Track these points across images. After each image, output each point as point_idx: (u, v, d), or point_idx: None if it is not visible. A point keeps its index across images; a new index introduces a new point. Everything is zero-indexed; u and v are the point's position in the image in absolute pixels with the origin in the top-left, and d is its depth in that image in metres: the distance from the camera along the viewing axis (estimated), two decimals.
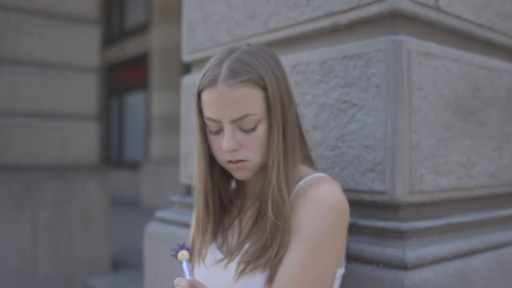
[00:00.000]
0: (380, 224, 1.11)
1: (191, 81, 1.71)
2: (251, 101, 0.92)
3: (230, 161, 0.96)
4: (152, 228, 1.76)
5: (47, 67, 3.92)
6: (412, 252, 1.05)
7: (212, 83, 0.93)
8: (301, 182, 0.98)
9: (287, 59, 1.34)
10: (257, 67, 0.93)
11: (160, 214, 1.77)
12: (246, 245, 0.97)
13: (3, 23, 3.69)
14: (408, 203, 1.11)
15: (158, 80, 8.85)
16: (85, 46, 4.16)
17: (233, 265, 0.96)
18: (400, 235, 1.08)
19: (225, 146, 0.93)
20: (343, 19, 1.21)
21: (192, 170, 1.69)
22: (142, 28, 10.21)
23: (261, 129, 0.94)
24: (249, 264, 0.92)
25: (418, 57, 1.12)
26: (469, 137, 1.27)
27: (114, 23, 11.75)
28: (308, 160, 1.08)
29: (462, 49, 1.30)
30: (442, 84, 1.19)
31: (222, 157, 0.97)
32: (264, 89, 0.93)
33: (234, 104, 0.91)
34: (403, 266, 1.03)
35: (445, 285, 1.09)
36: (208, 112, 0.95)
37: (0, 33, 3.68)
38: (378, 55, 1.12)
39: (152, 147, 9.01)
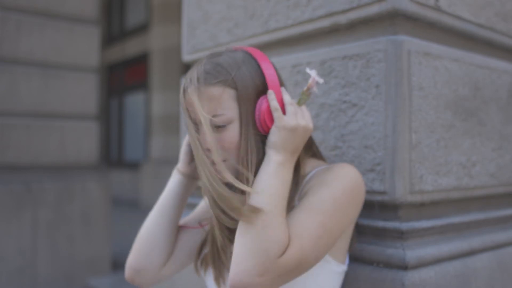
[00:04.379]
0: (380, 224, 1.11)
1: None
2: (220, 100, 0.92)
3: (213, 162, 0.94)
4: None
5: (47, 67, 3.92)
6: (412, 252, 1.05)
7: (187, 85, 0.94)
8: (313, 171, 0.99)
9: (287, 59, 1.34)
10: (230, 67, 0.93)
11: None
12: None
13: (3, 23, 3.69)
14: (408, 203, 1.11)
15: (158, 80, 8.85)
16: (85, 46, 4.16)
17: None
18: (400, 235, 1.08)
19: (199, 139, 0.93)
20: (343, 19, 1.21)
21: None
22: (142, 28, 10.21)
23: (234, 129, 0.93)
24: None
25: (418, 57, 1.12)
26: (469, 137, 1.27)
27: (114, 23, 11.75)
28: (318, 156, 1.09)
29: (462, 49, 1.30)
30: (442, 84, 1.19)
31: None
32: (235, 88, 0.93)
33: (205, 104, 0.91)
34: (403, 266, 1.03)
35: (445, 285, 1.09)
36: (190, 114, 0.96)
37: (0, 33, 3.68)
38: (378, 55, 1.12)
39: (152, 147, 9.01)
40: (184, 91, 0.95)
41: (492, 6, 1.38)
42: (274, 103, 0.92)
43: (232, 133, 0.92)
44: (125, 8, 11.30)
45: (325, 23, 1.25)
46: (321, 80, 0.95)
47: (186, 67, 1.93)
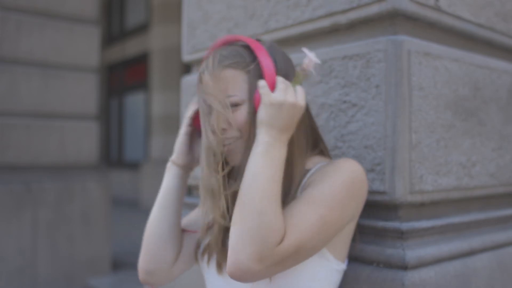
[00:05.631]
0: (380, 224, 1.11)
1: (191, 81, 1.71)
2: (232, 81, 0.95)
3: (224, 145, 0.97)
4: None
5: (47, 67, 3.92)
6: (412, 252, 1.05)
7: (203, 69, 0.98)
8: (316, 167, 0.99)
9: None
10: (244, 52, 0.96)
11: None
12: None
13: (3, 23, 3.69)
14: (408, 203, 1.11)
15: (158, 80, 8.85)
16: (85, 46, 4.16)
17: None
18: (400, 235, 1.08)
19: (211, 121, 0.95)
20: (343, 19, 1.21)
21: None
22: (142, 28, 10.21)
23: (244, 110, 0.95)
24: None
25: (418, 57, 1.12)
26: (469, 137, 1.27)
27: (114, 23, 11.75)
28: (326, 154, 1.09)
29: (462, 49, 1.30)
30: (442, 84, 1.19)
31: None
32: (248, 71, 0.95)
33: (219, 85, 0.95)
34: (403, 266, 1.03)
35: (445, 285, 1.09)
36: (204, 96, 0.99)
37: (0, 33, 3.68)
38: (378, 55, 1.12)
39: (152, 147, 9.01)
40: (200, 74, 0.98)
41: (492, 6, 1.38)
42: (262, 82, 0.92)
43: (242, 114, 0.95)
44: (125, 8, 11.30)
45: (325, 23, 1.25)
46: (317, 60, 0.94)
47: (186, 67, 1.93)
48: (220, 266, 1.01)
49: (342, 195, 0.91)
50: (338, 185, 0.91)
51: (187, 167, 1.10)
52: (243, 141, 0.96)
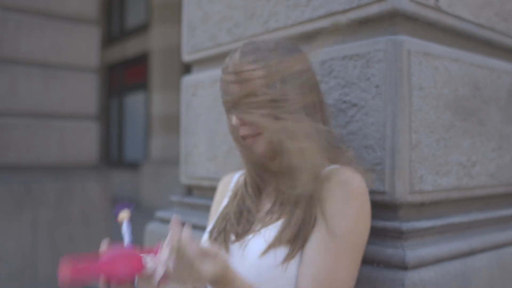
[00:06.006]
0: (380, 224, 1.11)
1: (191, 81, 1.71)
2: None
3: (245, 137, 1.00)
4: (152, 228, 1.76)
5: (47, 67, 3.91)
6: (412, 252, 1.05)
7: (224, 66, 1.03)
8: (326, 170, 0.99)
9: None
10: (265, 48, 1.00)
11: (160, 214, 1.77)
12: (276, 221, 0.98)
13: (3, 23, 3.69)
14: (408, 203, 1.11)
15: (158, 80, 8.85)
16: (85, 46, 4.16)
17: (257, 240, 0.97)
18: (400, 235, 1.08)
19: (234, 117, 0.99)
20: (343, 19, 1.21)
21: (193, 170, 1.69)
22: (142, 28, 10.21)
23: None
24: (276, 240, 0.94)
25: (418, 57, 1.12)
26: (469, 137, 1.27)
27: (114, 23, 11.75)
28: (333, 158, 1.07)
29: (462, 49, 1.30)
30: (442, 84, 1.19)
31: (239, 133, 1.02)
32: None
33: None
34: (403, 266, 1.03)
35: (445, 285, 1.09)
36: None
37: (0, 33, 3.68)
38: (378, 55, 1.12)
39: (152, 147, 9.01)
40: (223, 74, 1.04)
41: (492, 6, 1.38)
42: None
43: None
44: (125, 8, 11.30)
45: (325, 23, 1.25)
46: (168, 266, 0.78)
47: (186, 67, 1.92)
48: (238, 235, 1.01)
49: (358, 225, 0.94)
50: (352, 221, 0.94)
51: None
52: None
